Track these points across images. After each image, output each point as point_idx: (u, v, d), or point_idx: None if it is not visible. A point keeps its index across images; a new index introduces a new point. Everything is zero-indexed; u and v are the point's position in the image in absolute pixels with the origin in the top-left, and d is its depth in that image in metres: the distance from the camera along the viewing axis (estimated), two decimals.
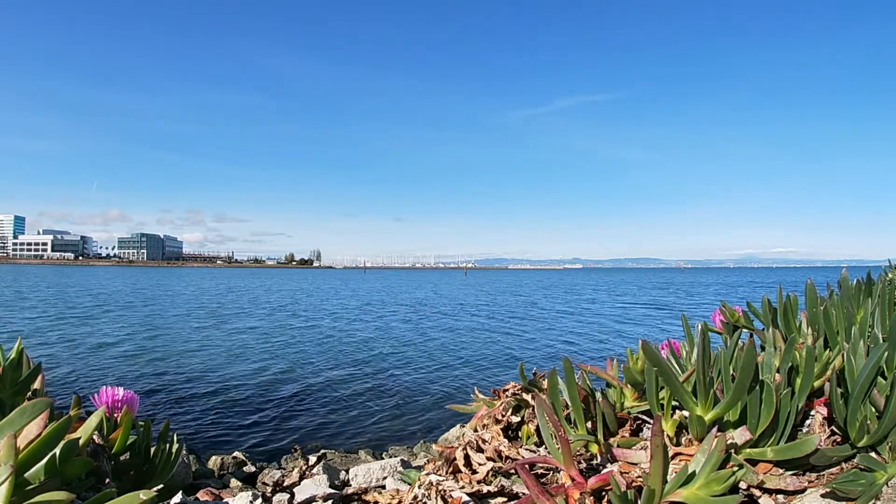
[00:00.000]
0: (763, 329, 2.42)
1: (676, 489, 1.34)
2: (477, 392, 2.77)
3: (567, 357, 1.92)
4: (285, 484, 2.29)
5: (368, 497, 1.93)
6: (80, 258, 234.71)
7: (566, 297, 36.35)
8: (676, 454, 1.61)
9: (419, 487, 1.70)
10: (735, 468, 1.41)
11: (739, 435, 1.51)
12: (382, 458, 4.65)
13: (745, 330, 2.53)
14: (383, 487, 2.16)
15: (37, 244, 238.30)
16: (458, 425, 4.20)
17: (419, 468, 2.37)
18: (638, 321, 21.09)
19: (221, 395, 8.49)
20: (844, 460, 1.50)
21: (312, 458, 3.43)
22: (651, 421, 1.92)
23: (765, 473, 1.46)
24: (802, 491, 1.43)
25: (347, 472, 2.56)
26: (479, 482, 1.76)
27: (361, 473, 2.46)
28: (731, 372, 1.63)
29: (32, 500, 1.01)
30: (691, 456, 1.47)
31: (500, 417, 2.29)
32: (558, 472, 1.69)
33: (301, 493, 2.09)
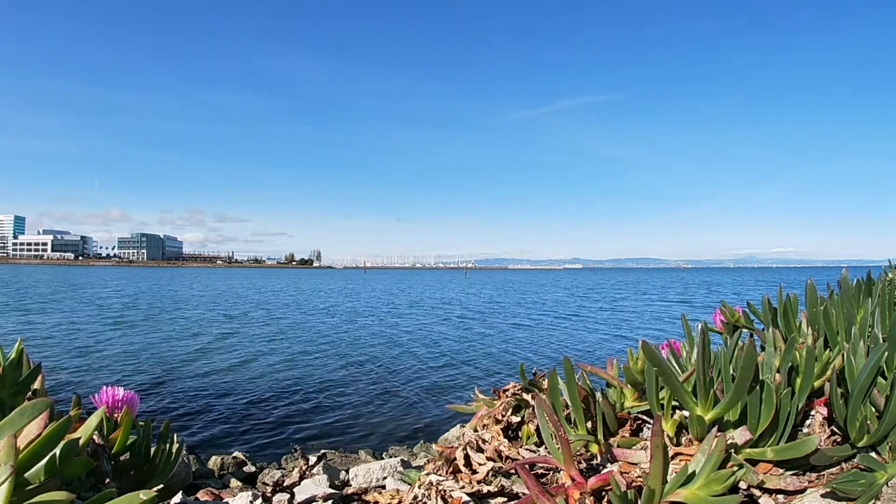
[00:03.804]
0: (763, 329, 2.42)
1: (676, 489, 1.34)
2: (477, 392, 2.77)
3: (567, 357, 1.92)
4: (285, 484, 2.29)
5: (368, 497, 1.93)
6: (80, 258, 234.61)
7: (594, 296, 36.09)
8: (676, 454, 1.61)
9: (419, 487, 1.70)
10: (735, 468, 1.41)
11: (739, 435, 1.51)
12: (382, 458, 4.65)
13: (745, 330, 2.53)
14: (383, 487, 2.15)
15: (37, 244, 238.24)
16: (458, 425, 4.20)
17: (419, 468, 2.37)
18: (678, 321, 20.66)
19: (222, 395, 8.49)
20: (844, 460, 1.50)
21: (312, 458, 3.43)
22: (651, 421, 1.92)
23: (765, 473, 1.46)
24: (802, 491, 1.43)
25: (347, 472, 2.56)
26: (479, 482, 1.76)
27: (361, 473, 2.46)
28: (731, 372, 1.63)
29: (32, 500, 1.01)
30: (691, 456, 1.47)
31: (500, 417, 2.29)
32: (558, 472, 1.69)
33: (301, 493, 2.09)
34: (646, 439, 1.81)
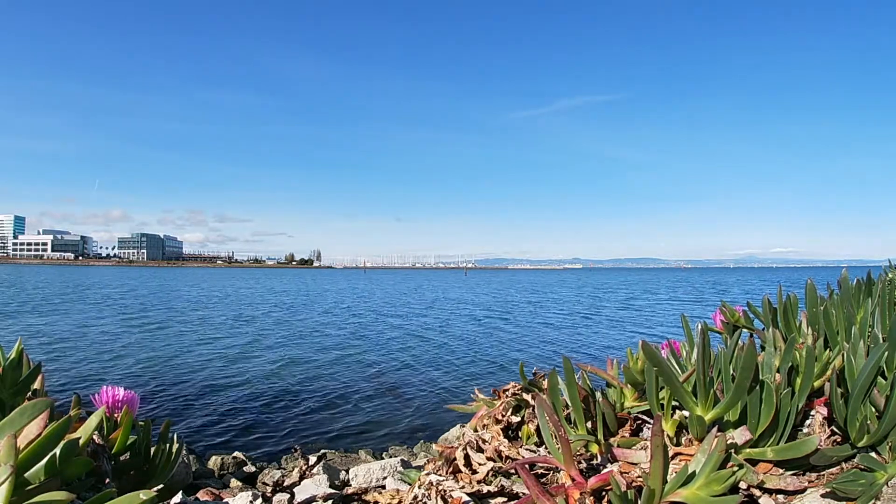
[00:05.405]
0: (763, 329, 2.42)
1: (676, 489, 1.34)
2: (477, 392, 2.77)
3: (567, 357, 1.92)
4: (285, 484, 2.29)
5: (368, 497, 1.93)
6: (80, 258, 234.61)
7: (603, 296, 35.74)
8: (676, 454, 1.61)
9: (419, 487, 1.70)
10: (735, 468, 1.41)
11: (739, 435, 1.51)
12: (382, 458, 4.65)
13: (745, 330, 2.53)
14: (383, 487, 2.16)
15: (37, 244, 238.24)
16: (458, 425, 4.20)
17: (419, 468, 2.37)
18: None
19: (222, 396, 8.49)
20: (844, 460, 1.50)
21: (312, 458, 3.43)
22: (651, 421, 1.92)
23: (765, 473, 1.46)
24: (802, 491, 1.43)
25: (347, 472, 2.56)
26: (479, 482, 1.76)
27: (361, 473, 2.46)
28: (731, 372, 1.63)
29: (32, 500, 1.01)
30: (691, 456, 1.47)
31: (500, 417, 2.29)
32: (558, 472, 1.69)
33: (301, 493, 2.09)
34: (646, 439, 1.81)
